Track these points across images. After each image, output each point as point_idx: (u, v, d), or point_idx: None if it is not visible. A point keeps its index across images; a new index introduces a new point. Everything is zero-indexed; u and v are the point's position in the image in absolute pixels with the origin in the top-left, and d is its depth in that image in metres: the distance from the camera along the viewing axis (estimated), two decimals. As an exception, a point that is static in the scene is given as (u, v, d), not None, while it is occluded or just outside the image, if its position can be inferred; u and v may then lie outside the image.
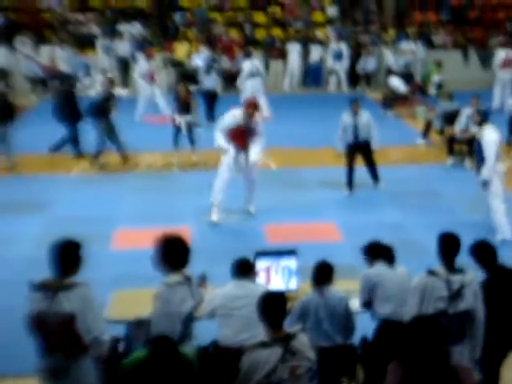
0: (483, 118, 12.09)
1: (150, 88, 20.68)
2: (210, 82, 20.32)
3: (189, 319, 6.13)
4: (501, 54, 23.02)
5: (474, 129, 15.80)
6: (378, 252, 7.41)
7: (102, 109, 15.95)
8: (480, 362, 6.54)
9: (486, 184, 11.51)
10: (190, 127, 15.95)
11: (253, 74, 20.88)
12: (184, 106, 16.02)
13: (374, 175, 14.41)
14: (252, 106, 12.12)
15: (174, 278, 6.10)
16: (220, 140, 12.14)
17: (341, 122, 14.14)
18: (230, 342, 6.70)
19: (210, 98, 19.88)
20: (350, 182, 14.13)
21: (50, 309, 5.69)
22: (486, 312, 6.38)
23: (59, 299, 5.69)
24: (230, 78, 23.75)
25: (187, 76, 23.22)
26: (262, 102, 20.67)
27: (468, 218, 12.46)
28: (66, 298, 5.69)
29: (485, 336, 6.42)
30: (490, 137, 11.56)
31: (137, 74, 21.42)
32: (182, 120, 15.88)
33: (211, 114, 19.52)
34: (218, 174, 12.27)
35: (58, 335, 5.73)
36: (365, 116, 14.17)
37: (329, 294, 6.97)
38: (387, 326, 7.01)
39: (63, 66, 24.63)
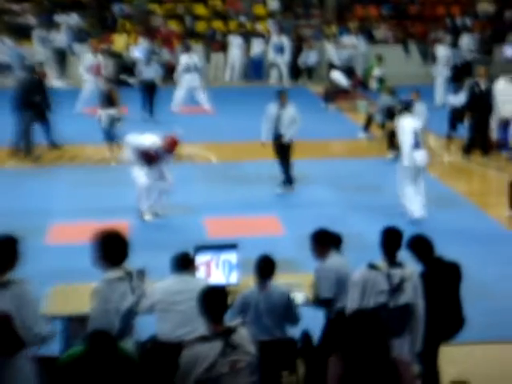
0: (404, 107, 12.80)
1: (94, 81, 20.33)
2: (150, 73, 20.04)
3: (128, 315, 6.00)
4: (441, 51, 23.25)
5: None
6: (327, 240, 7.33)
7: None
8: (420, 355, 6.56)
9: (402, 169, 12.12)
10: (113, 121, 15.70)
11: (189, 69, 20.68)
12: (107, 99, 15.82)
13: (287, 176, 13.82)
14: (173, 145, 11.94)
15: (114, 273, 5.95)
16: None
17: (267, 113, 13.82)
18: (168, 337, 6.63)
19: (150, 90, 19.61)
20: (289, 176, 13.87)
21: None
22: (424, 304, 6.41)
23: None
24: (170, 70, 23.49)
25: (126, 68, 23.02)
26: (201, 97, 20.59)
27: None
28: (2, 296, 5.52)
29: (424, 328, 6.43)
30: (408, 125, 12.06)
31: (82, 66, 21.06)
32: (103, 113, 15.68)
33: (150, 107, 19.30)
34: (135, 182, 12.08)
35: None
36: (291, 109, 13.83)
37: (270, 288, 6.91)
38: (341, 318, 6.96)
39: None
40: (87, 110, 19.32)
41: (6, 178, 14.71)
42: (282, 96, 13.78)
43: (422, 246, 6.92)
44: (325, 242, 7.35)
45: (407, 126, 12.03)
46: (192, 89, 20.49)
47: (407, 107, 12.82)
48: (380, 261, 6.40)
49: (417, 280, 6.42)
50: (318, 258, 7.34)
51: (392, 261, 6.36)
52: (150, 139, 11.80)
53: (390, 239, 6.40)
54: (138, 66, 21.03)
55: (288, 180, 13.73)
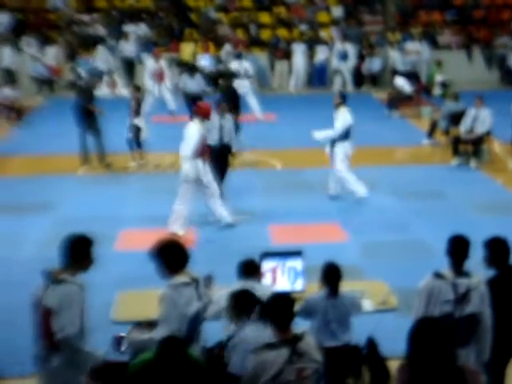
0: (341, 100, 13.42)
1: (157, 87, 20.67)
2: (193, 85, 20.18)
3: (195, 320, 6.13)
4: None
5: (479, 129, 15.88)
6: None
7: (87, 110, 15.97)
8: (487, 365, 6.53)
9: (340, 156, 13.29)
10: (138, 130, 15.91)
11: (239, 75, 20.82)
12: (136, 109, 16.03)
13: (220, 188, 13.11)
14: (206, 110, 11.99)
15: (180, 279, 6.11)
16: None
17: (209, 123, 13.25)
18: (236, 343, 6.70)
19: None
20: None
21: (41, 298, 5.91)
22: (492, 312, 6.36)
23: (48, 291, 5.89)
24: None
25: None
26: (253, 103, 20.63)
27: (473, 219, 12.46)
28: (52, 291, 5.87)
29: (493, 339, 6.41)
30: (344, 116, 13.19)
31: (146, 74, 21.43)
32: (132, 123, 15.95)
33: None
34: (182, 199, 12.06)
35: (41, 325, 5.95)
36: (229, 118, 13.57)
37: (340, 295, 6.97)
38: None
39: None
40: (156, 118, 19.61)
41: (78, 184, 15.02)
42: (221, 106, 13.49)
43: (500, 248, 6.76)
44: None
45: (346, 118, 13.25)
46: (242, 95, 20.59)
47: (343, 99, 13.63)
48: (446, 269, 6.38)
49: (484, 289, 6.31)
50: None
51: (459, 270, 6.27)
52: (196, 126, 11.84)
53: (458, 248, 6.31)
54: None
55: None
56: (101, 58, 25.12)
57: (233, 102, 16.63)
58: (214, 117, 13.14)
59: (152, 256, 6.24)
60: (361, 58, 26.34)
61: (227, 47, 24.99)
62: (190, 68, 21.09)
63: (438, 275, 6.29)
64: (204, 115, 11.83)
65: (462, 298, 6.21)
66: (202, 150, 11.71)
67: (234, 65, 21.25)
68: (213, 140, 12.99)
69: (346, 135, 13.30)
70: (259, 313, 6.07)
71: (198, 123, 11.77)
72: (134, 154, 16.05)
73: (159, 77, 20.76)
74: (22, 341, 8.58)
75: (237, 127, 16.21)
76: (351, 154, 13.54)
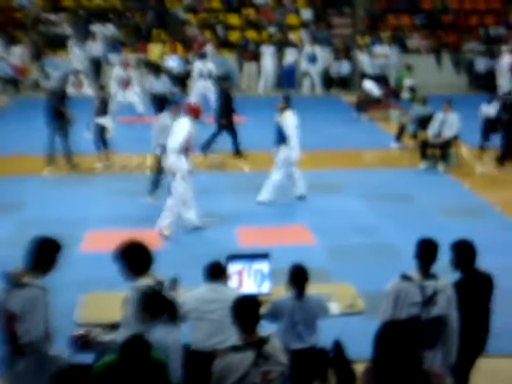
0: (286, 103, 13.49)
1: (122, 93, 20.48)
2: (159, 86, 20.11)
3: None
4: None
5: (446, 133, 15.96)
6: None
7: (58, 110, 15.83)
8: (453, 367, 6.53)
9: (284, 160, 13.30)
10: (102, 130, 15.82)
11: (202, 75, 20.77)
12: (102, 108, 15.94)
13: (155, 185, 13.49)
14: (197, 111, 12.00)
15: (144, 281, 6.02)
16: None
17: (156, 124, 13.56)
18: (201, 346, 6.67)
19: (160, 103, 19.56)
20: (155, 189, 13.59)
21: (4, 302, 5.83)
22: (458, 315, 6.37)
23: (11, 295, 5.80)
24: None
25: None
26: (213, 104, 20.58)
27: (441, 222, 12.49)
28: (16, 295, 5.79)
29: (459, 341, 6.41)
30: (291, 120, 13.25)
31: (112, 79, 21.27)
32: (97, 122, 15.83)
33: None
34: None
35: (5, 329, 5.87)
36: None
37: (307, 297, 6.94)
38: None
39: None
40: (123, 119, 19.46)
41: (43, 185, 14.85)
42: (175, 106, 13.50)
43: (466, 251, 6.81)
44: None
45: (292, 121, 13.26)
46: (204, 95, 20.54)
47: (288, 103, 13.64)
48: (413, 271, 6.38)
49: (451, 292, 6.35)
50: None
51: (426, 272, 6.30)
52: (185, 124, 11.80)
53: (426, 251, 6.34)
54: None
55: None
56: (75, 58, 24.96)
57: (228, 105, 16.74)
58: (167, 118, 13.25)
59: (115, 258, 6.14)
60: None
61: (208, 47, 24.83)
62: (156, 69, 20.97)
63: (406, 277, 6.31)
64: (195, 115, 11.84)
65: (429, 300, 6.24)
66: (187, 146, 11.68)
67: (198, 65, 21.18)
68: (164, 139, 12.84)
69: (283, 139, 13.29)
70: (169, 314, 5.99)
71: (189, 121, 11.75)
72: (101, 155, 15.91)
73: (126, 84, 20.58)
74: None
75: (233, 130, 16.24)
76: (299, 157, 13.55)
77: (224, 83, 18.42)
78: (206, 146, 16.44)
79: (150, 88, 20.37)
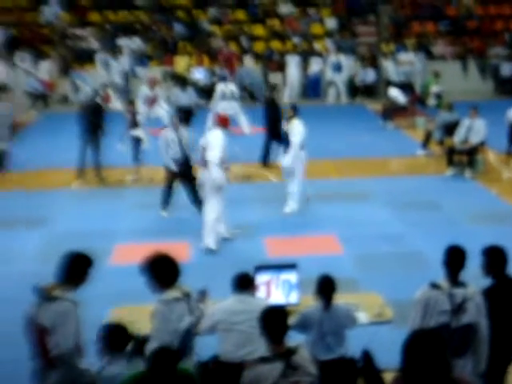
0: (294, 112, 13.58)
1: (147, 110, 20.58)
2: (185, 99, 20.20)
3: (187, 335, 6.10)
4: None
5: (473, 139, 15.90)
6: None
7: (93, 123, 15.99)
8: (484, 376, 6.50)
9: (289, 171, 13.34)
10: (138, 142, 15.92)
11: (225, 97, 20.82)
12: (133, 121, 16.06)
13: (197, 199, 13.26)
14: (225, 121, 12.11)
15: (171, 294, 6.07)
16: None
17: (162, 139, 13.60)
18: (230, 357, 6.69)
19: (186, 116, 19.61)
20: (168, 203, 13.69)
21: (35, 316, 5.89)
22: (488, 322, 6.34)
23: (42, 308, 5.88)
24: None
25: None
26: (242, 120, 20.62)
27: (468, 229, 12.44)
28: (47, 309, 5.86)
29: (489, 349, 6.38)
30: (299, 129, 13.28)
31: (139, 97, 21.39)
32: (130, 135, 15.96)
33: None
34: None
35: (37, 343, 5.94)
36: (185, 131, 13.75)
37: (335, 307, 6.96)
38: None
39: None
40: (153, 130, 19.56)
41: (72, 199, 14.98)
42: (175, 120, 13.78)
43: (497, 256, 6.77)
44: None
45: (299, 130, 13.31)
46: (232, 116, 20.51)
47: (295, 112, 13.71)
48: (442, 279, 6.37)
49: (480, 299, 6.31)
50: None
51: (455, 280, 6.26)
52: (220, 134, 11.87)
53: (454, 258, 6.31)
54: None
55: (197, 202, 13.46)
56: (110, 71, 25.21)
57: (275, 115, 16.85)
58: (171, 132, 13.48)
59: (142, 270, 6.20)
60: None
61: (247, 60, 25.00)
62: (183, 81, 21.06)
63: (435, 286, 6.28)
64: (223, 124, 11.95)
65: (458, 308, 6.21)
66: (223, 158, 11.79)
67: (220, 86, 21.20)
68: (176, 154, 13.35)
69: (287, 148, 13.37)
70: (133, 349, 6.04)
71: (221, 132, 11.83)
72: (134, 168, 16.01)
73: (152, 102, 20.64)
74: (15, 357, 8.59)
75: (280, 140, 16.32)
76: (305, 165, 13.62)
77: (270, 93, 18.51)
78: (266, 158, 16.70)
79: (175, 101, 20.45)
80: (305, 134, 13.39)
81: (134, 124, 16.00)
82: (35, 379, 6.08)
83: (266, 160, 16.87)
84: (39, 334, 5.89)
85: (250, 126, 20.60)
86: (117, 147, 16.07)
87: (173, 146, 13.40)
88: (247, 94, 25.82)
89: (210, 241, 11.77)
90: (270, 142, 16.93)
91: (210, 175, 11.61)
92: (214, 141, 11.73)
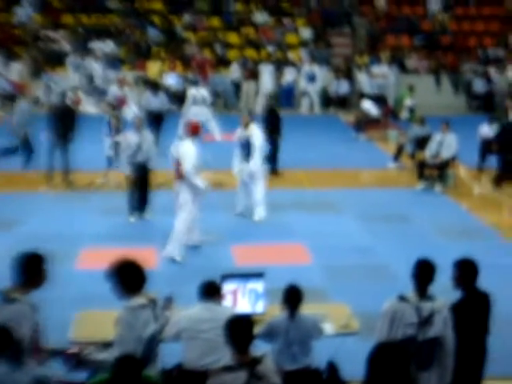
0: (251, 119, 13.81)
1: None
2: (156, 103, 20.08)
3: (151, 342, 6.01)
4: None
5: (444, 154, 15.96)
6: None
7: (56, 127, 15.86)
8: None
9: (252, 174, 13.41)
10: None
11: (196, 102, 20.76)
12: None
13: (143, 202, 13.70)
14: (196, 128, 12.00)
15: (137, 301, 5.98)
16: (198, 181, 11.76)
17: (125, 142, 13.78)
18: (194, 365, 6.63)
19: (157, 120, 19.44)
20: (136, 206, 13.70)
21: None
22: (455, 335, 6.34)
23: (0, 310, 5.78)
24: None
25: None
26: (213, 128, 20.57)
27: (437, 243, 12.45)
28: (2, 310, 5.77)
29: (455, 362, 6.37)
30: (258, 135, 13.51)
31: (108, 96, 21.28)
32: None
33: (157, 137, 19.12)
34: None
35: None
36: (149, 135, 13.89)
37: (301, 317, 6.93)
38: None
39: None
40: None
41: (40, 202, 14.81)
42: (138, 121, 13.85)
43: (468, 269, 6.80)
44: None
45: (259, 136, 13.57)
46: (203, 122, 20.39)
47: (252, 118, 14.02)
48: (410, 292, 6.35)
49: (447, 313, 6.33)
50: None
51: (423, 293, 6.29)
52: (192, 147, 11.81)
53: (423, 272, 6.32)
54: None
55: (141, 206, 13.78)
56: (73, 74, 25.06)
57: (274, 124, 16.92)
58: (133, 135, 13.53)
59: (108, 276, 6.10)
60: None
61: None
62: (154, 86, 20.93)
63: (402, 298, 6.30)
64: (194, 133, 11.85)
65: (425, 321, 6.23)
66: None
67: (192, 91, 21.12)
68: (133, 157, 13.44)
69: (250, 153, 13.47)
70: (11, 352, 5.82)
71: (191, 141, 11.76)
72: (107, 172, 15.90)
73: (121, 103, 20.51)
74: None
75: (276, 148, 16.26)
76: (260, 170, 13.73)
77: (270, 102, 18.57)
78: (274, 164, 16.69)
79: (146, 105, 20.31)
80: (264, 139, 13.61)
81: (118, 130, 15.87)
82: None
83: (275, 168, 16.82)
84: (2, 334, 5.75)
85: (221, 133, 20.56)
86: (105, 153, 15.96)
87: (135, 148, 13.46)
88: (221, 102, 25.80)
89: (175, 252, 11.64)
90: (276, 150, 16.88)
91: (189, 186, 11.58)
92: (185, 153, 11.67)
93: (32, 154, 16.84)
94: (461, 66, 27.54)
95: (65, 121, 15.98)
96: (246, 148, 13.44)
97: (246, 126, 13.56)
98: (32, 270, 5.97)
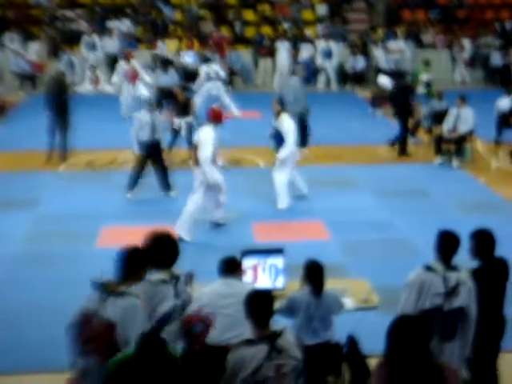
0: (281, 107, 13.13)
1: (132, 88, 20.44)
2: (167, 80, 20.05)
3: (164, 320, 6.09)
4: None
5: (461, 128, 15.94)
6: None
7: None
8: (469, 361, 6.55)
9: (282, 162, 12.97)
10: (190, 128, 15.75)
11: (210, 78, 20.77)
12: (183, 108, 15.99)
13: (166, 182, 13.90)
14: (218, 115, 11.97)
15: (159, 276, 6.07)
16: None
17: (136, 120, 13.89)
18: (216, 340, 6.68)
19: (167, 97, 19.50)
20: (134, 185, 13.85)
21: (98, 311, 5.73)
22: (476, 308, 6.39)
23: (107, 304, 5.73)
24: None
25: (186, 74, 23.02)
26: (227, 103, 20.56)
27: (455, 217, 12.48)
28: (113, 304, 5.72)
29: (475, 333, 6.43)
30: (289, 124, 12.92)
31: (118, 74, 21.34)
32: (182, 122, 15.83)
33: None
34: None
35: (97, 339, 5.76)
36: (158, 115, 14.02)
37: (323, 293, 6.97)
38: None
39: None
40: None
41: (60, 181, 14.95)
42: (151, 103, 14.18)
43: (485, 239, 6.84)
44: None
45: (290, 125, 12.98)
46: (215, 96, 20.43)
47: (283, 107, 13.28)
48: (435, 263, 6.38)
49: (471, 284, 6.38)
50: None
51: (448, 264, 6.33)
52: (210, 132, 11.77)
53: (447, 243, 6.36)
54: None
55: (166, 185, 13.92)
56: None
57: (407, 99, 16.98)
58: (145, 114, 13.73)
59: (144, 247, 6.14)
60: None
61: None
62: (164, 62, 20.92)
63: (429, 268, 6.33)
64: (217, 119, 11.83)
65: (452, 291, 6.25)
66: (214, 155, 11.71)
67: (204, 68, 21.13)
68: (144, 136, 13.62)
69: (282, 142, 12.99)
70: None
71: (212, 128, 11.74)
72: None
73: (132, 78, 20.52)
74: (11, 336, 8.63)
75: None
76: (297, 157, 13.47)
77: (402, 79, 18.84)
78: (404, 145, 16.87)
79: (155, 82, 20.33)
80: (293, 127, 13.10)
81: (185, 111, 15.96)
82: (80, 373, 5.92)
83: (404, 145, 16.91)
84: (104, 329, 5.74)
85: (238, 109, 20.57)
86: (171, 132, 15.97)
87: (145, 128, 13.62)
88: (239, 79, 25.80)
89: (183, 232, 11.64)
90: (405, 130, 16.93)
91: (202, 174, 11.61)
92: (204, 139, 11.67)
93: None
94: (478, 39, 27.36)
95: (61, 99, 16.02)
96: (277, 138, 13.16)
97: (278, 115, 13.12)
98: (136, 264, 5.94)
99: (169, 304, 6.11)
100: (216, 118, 11.85)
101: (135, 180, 13.78)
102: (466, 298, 6.32)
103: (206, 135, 11.68)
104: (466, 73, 26.62)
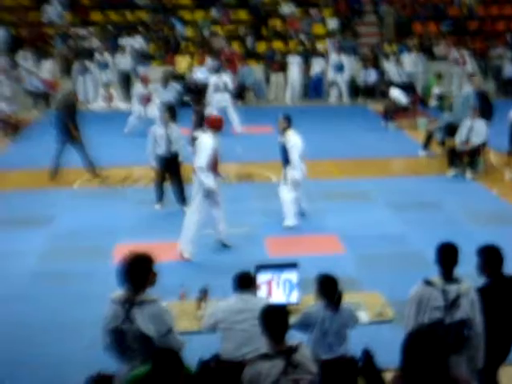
0: (288, 123, 12.71)
1: (142, 108, 20.56)
2: (167, 95, 20.08)
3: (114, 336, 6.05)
4: None
5: (474, 140, 15.93)
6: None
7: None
8: (480, 372, 6.53)
9: (296, 184, 12.65)
10: None
11: (218, 89, 20.84)
12: (200, 120, 16.10)
13: (182, 196, 13.77)
14: (218, 122, 11.73)
15: (118, 294, 6.06)
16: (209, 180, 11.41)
17: (151, 135, 13.91)
18: (231, 356, 6.71)
19: None
20: (162, 197, 14.04)
21: (126, 323, 5.84)
22: (483, 320, 6.37)
23: (133, 315, 5.83)
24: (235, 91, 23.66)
25: (190, 89, 23.14)
26: (233, 117, 20.57)
27: (469, 229, 12.47)
28: (140, 314, 5.82)
29: (484, 345, 6.42)
30: (295, 141, 12.53)
31: (134, 95, 21.46)
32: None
33: None
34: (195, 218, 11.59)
35: (137, 348, 5.89)
36: (175, 128, 13.91)
37: (339, 307, 6.97)
38: None
39: None
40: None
41: (75, 198, 15.00)
42: (165, 115, 14.02)
43: (493, 256, 6.80)
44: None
45: (296, 142, 12.58)
46: (222, 108, 20.38)
47: (289, 123, 12.78)
48: (436, 277, 6.40)
49: (474, 295, 6.36)
50: None
51: (448, 277, 6.32)
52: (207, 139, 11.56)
53: (447, 255, 6.36)
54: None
55: (182, 199, 13.81)
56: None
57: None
58: (159, 128, 13.79)
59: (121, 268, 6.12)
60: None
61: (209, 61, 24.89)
62: (164, 79, 21.01)
63: (428, 282, 6.35)
64: (216, 128, 11.60)
65: (452, 304, 6.25)
66: (214, 163, 11.46)
67: (213, 79, 21.20)
68: (160, 150, 13.70)
69: (288, 160, 12.67)
70: None
71: (211, 136, 11.52)
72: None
73: (146, 100, 20.65)
74: (22, 354, 8.66)
75: None
76: (302, 178, 12.93)
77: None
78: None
79: (158, 97, 20.42)
80: (302, 144, 12.73)
81: (199, 125, 16.01)
82: None
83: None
84: (142, 340, 5.84)
85: (240, 124, 20.58)
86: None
87: (160, 142, 13.69)
88: (250, 94, 25.87)
89: (185, 249, 11.49)
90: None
91: (199, 183, 11.41)
92: (202, 146, 11.44)
93: None
94: (489, 51, 27.36)
95: (70, 117, 16.08)
96: (283, 153, 12.81)
97: (283, 131, 12.74)
98: (144, 273, 5.97)
99: (116, 322, 5.99)
100: (215, 125, 11.60)
101: (161, 192, 13.92)
102: (468, 309, 6.30)
103: (204, 142, 11.43)
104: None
